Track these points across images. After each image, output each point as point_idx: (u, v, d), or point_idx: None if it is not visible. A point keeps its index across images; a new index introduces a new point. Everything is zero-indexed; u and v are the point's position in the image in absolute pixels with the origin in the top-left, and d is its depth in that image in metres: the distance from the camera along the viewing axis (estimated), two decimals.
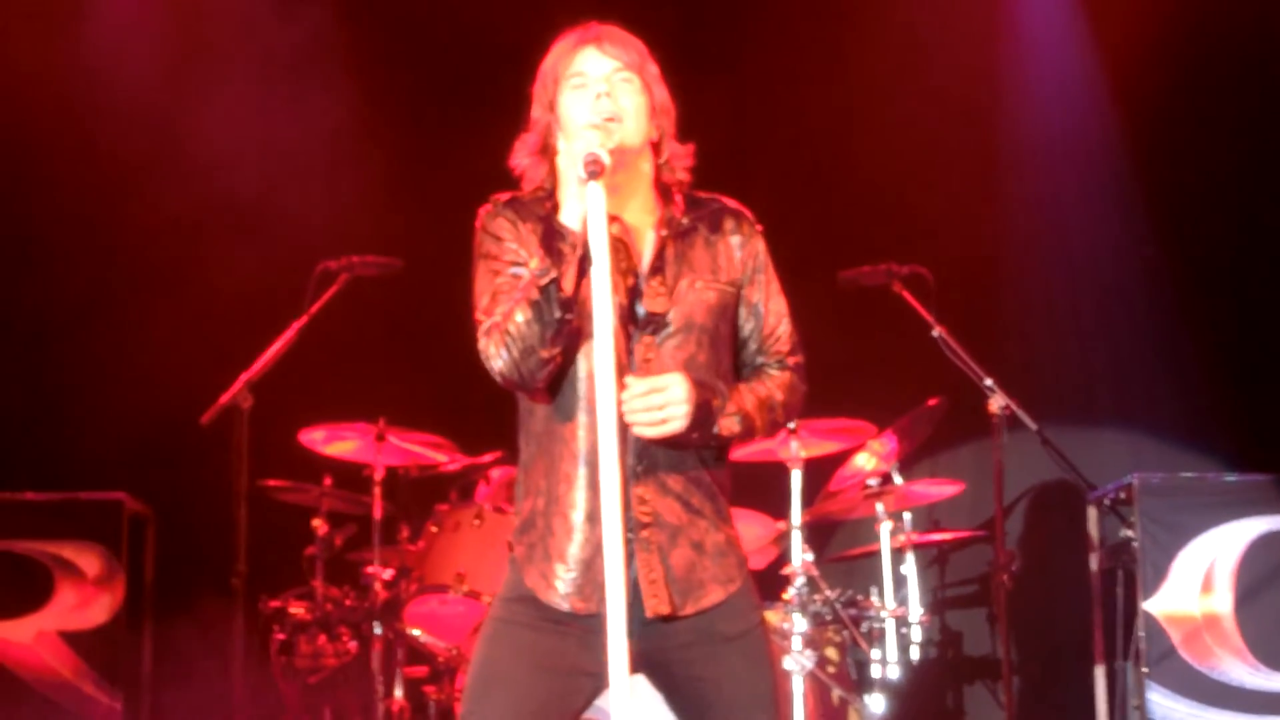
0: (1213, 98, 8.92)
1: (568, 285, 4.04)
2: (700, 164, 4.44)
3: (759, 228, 4.44)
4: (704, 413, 4.15)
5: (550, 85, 4.31)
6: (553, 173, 4.31)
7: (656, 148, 4.34)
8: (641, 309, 4.22)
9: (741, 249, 4.39)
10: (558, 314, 4.05)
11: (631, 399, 4.07)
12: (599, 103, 4.19)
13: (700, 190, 4.44)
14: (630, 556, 4.14)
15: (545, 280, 4.04)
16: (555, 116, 4.30)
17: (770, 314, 4.41)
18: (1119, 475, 7.85)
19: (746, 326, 4.41)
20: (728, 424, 4.22)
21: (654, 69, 4.34)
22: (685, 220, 4.35)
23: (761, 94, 9.31)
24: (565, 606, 4.18)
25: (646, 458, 4.18)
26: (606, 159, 4.03)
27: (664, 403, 4.08)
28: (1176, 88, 8.93)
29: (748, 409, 4.27)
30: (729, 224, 4.40)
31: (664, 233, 4.30)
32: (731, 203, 4.46)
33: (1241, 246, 8.95)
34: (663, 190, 4.37)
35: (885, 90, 9.00)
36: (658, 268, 4.25)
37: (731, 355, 4.37)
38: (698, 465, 4.25)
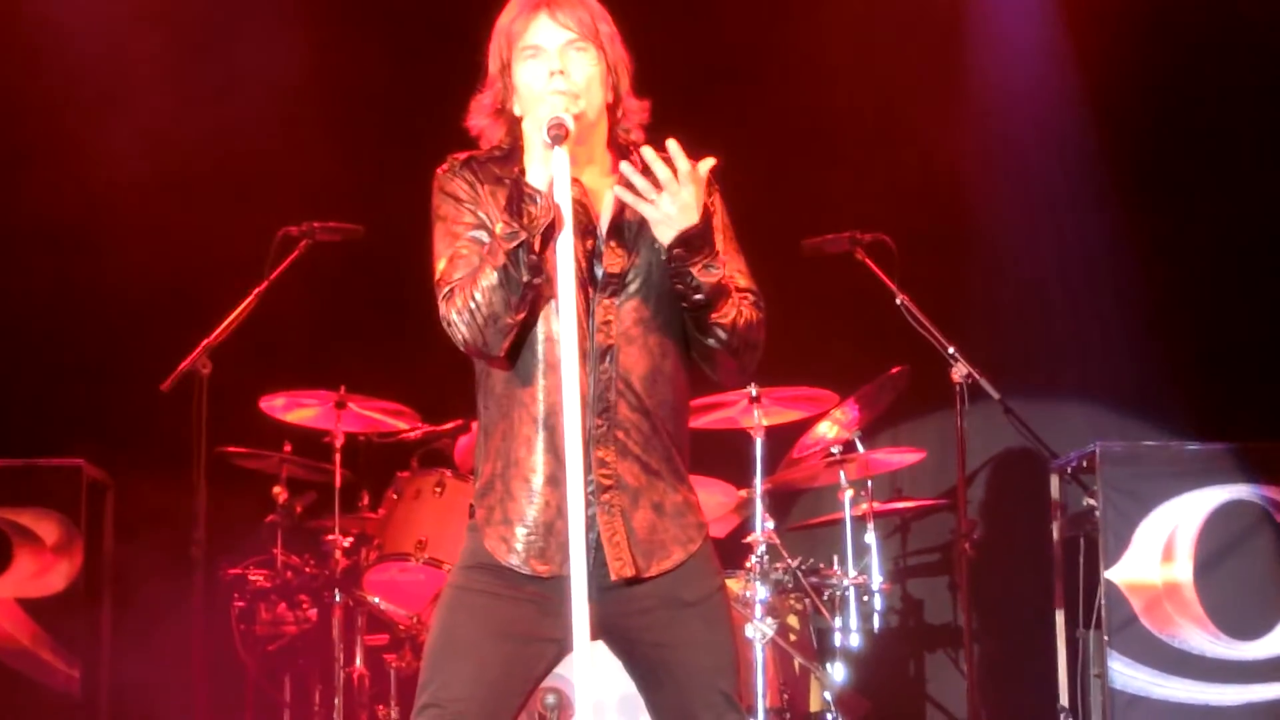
0: (1178, 67, 8.91)
1: (538, 247, 4.01)
2: (663, 131, 4.41)
3: (715, 185, 4.41)
4: (699, 234, 4.10)
5: (505, 48, 4.28)
6: (510, 133, 4.29)
7: (613, 108, 4.31)
8: (600, 270, 4.20)
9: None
10: (526, 278, 4.02)
11: (652, 161, 4.03)
12: (554, 80, 4.15)
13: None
14: (592, 519, 4.13)
15: (514, 244, 4.01)
16: (510, 83, 4.28)
17: (730, 267, 4.38)
18: (1081, 444, 7.86)
19: None
20: (710, 274, 4.14)
21: (607, 28, 4.30)
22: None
23: (725, 60, 9.28)
24: (526, 569, 4.17)
25: (606, 420, 4.16)
26: (571, 124, 4.01)
27: (669, 185, 4.04)
28: (1142, 58, 8.93)
29: (728, 283, 4.20)
30: None
31: None
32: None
33: (1203, 218, 8.96)
34: (619, 151, 4.35)
35: (850, 57, 8.98)
36: (616, 228, 4.23)
37: None
38: (656, 426, 4.22)
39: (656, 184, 4.05)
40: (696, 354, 4.32)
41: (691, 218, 4.07)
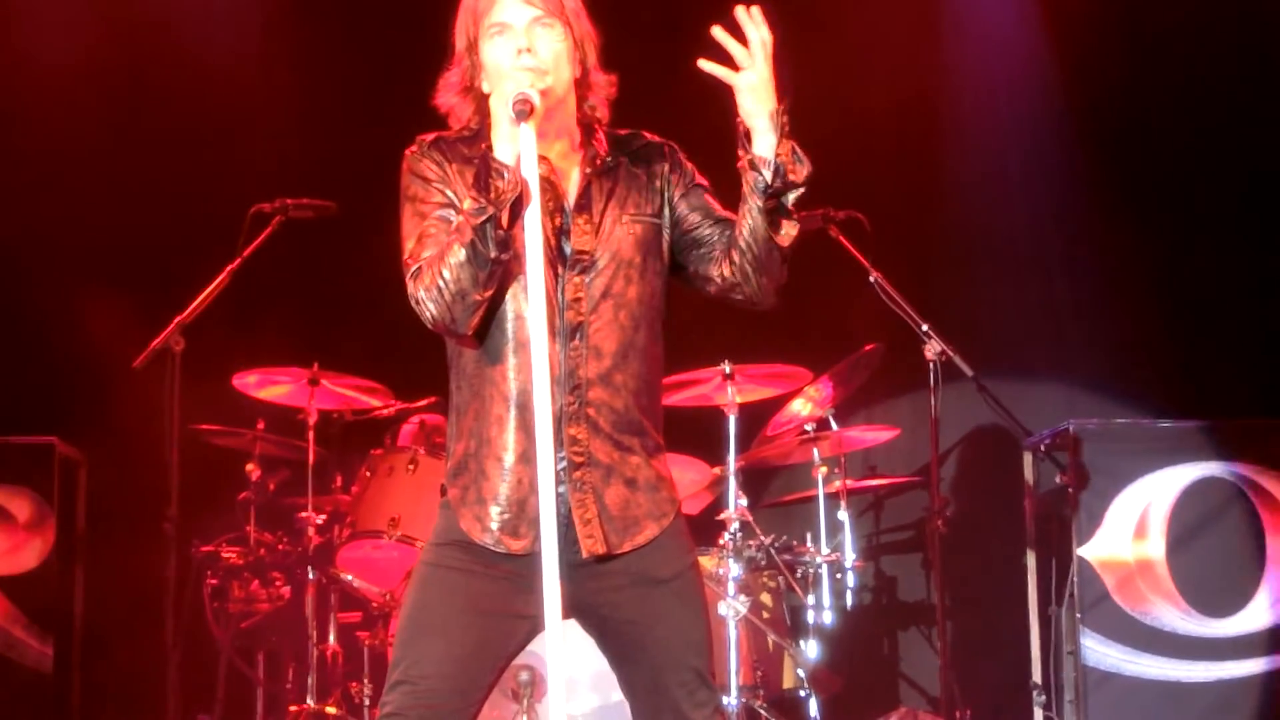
0: (1152, 46, 8.91)
1: (505, 222, 4.00)
2: (636, 111, 4.42)
3: (681, 154, 4.44)
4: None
5: (471, 26, 4.28)
6: (479, 110, 4.28)
7: (580, 82, 4.31)
8: (569, 247, 4.20)
9: (671, 172, 4.38)
10: (493, 254, 4.01)
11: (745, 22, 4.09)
12: (521, 58, 4.14)
13: (621, 128, 4.43)
14: (564, 497, 4.14)
15: (481, 219, 4.00)
16: (478, 60, 4.27)
17: (720, 205, 4.38)
18: (1054, 422, 7.86)
19: (696, 217, 4.36)
20: (799, 168, 4.15)
21: (573, 3, 4.30)
22: (609, 158, 4.33)
23: (698, 38, 9.23)
24: (500, 547, 4.17)
25: (577, 397, 4.17)
26: (537, 100, 4.01)
27: (760, 49, 4.08)
28: (1117, 36, 8.93)
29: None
30: (653, 155, 4.40)
31: (588, 170, 4.29)
32: (654, 137, 4.46)
33: (1175, 198, 8.96)
34: (586, 128, 4.35)
35: (824, 35, 8.96)
36: (583, 205, 4.24)
37: (664, 287, 4.34)
38: (628, 401, 4.23)
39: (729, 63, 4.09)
40: (753, 269, 4.26)
41: (773, 90, 4.13)
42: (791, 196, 4.19)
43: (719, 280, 4.32)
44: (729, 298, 4.35)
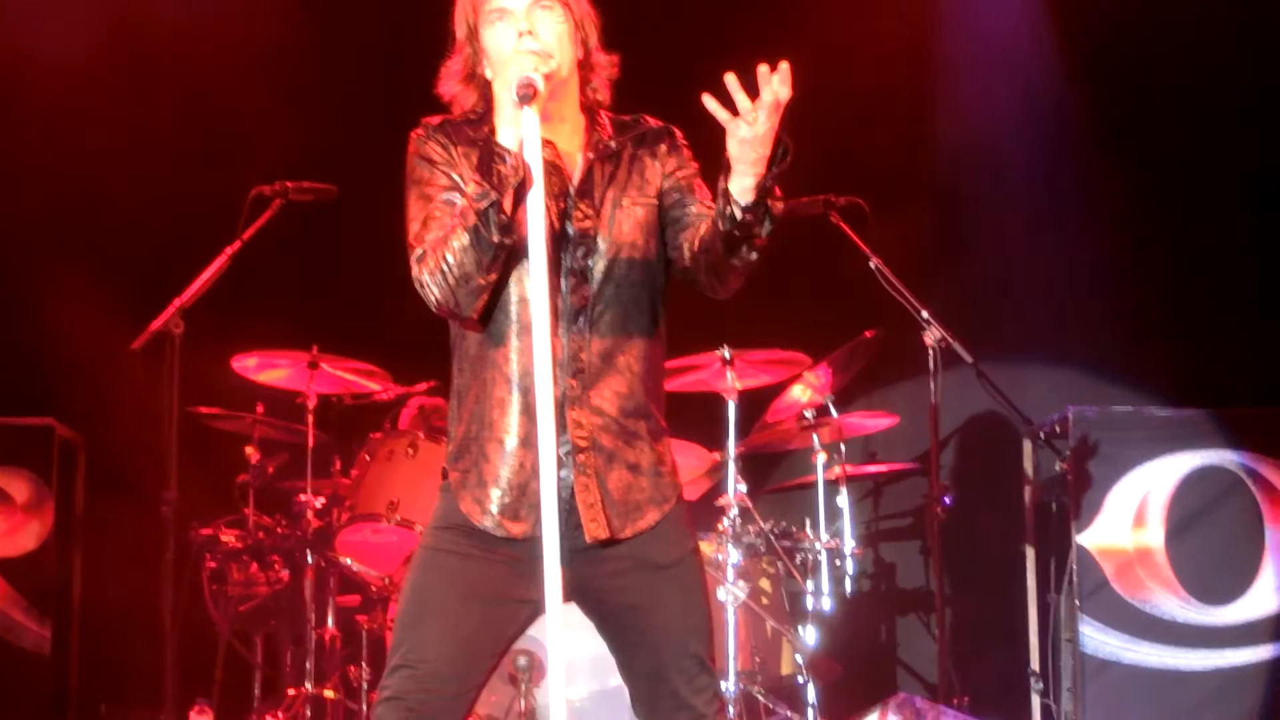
0: (1156, 29, 8.89)
1: (508, 207, 3.99)
2: (636, 96, 4.40)
3: (681, 138, 4.42)
4: (782, 151, 3.96)
5: (470, 13, 4.27)
6: (483, 98, 4.27)
7: (583, 63, 4.30)
8: (572, 230, 4.20)
9: (669, 155, 4.36)
10: (497, 238, 4.00)
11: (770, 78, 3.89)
12: (523, 42, 4.12)
13: (625, 113, 4.41)
14: (566, 481, 4.14)
15: (484, 204, 3.99)
16: (479, 47, 4.26)
17: (707, 191, 4.33)
18: (1054, 409, 7.86)
19: (676, 196, 4.33)
20: (778, 205, 4.01)
21: None
22: (613, 143, 4.32)
23: (696, 23, 9.24)
24: (500, 531, 4.16)
25: (580, 381, 4.16)
26: (541, 84, 4.00)
27: (768, 108, 3.89)
28: (1119, 18, 8.91)
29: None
30: (654, 139, 4.38)
31: (591, 155, 4.28)
32: (656, 122, 4.44)
33: (1177, 183, 8.95)
34: (589, 111, 4.34)
35: (822, 21, 8.95)
36: (586, 189, 4.24)
37: (665, 271, 4.33)
38: (631, 384, 4.23)
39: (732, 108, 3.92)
40: (705, 269, 4.20)
41: (769, 144, 3.94)
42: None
43: (677, 263, 4.30)
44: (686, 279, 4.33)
